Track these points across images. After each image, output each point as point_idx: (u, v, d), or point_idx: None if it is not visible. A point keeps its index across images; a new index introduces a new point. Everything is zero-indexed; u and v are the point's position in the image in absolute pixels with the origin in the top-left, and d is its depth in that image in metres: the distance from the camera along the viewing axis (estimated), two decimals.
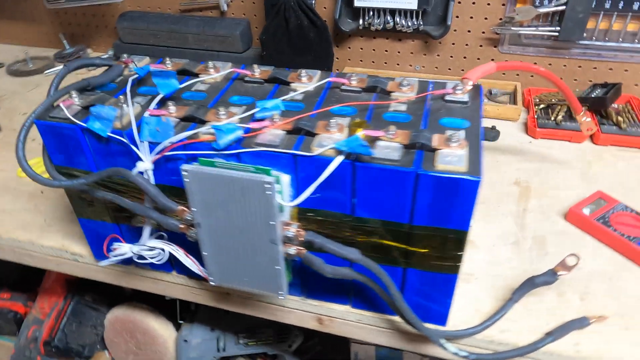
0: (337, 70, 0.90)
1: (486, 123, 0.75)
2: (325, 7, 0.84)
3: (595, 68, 0.78)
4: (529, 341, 0.45)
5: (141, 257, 0.48)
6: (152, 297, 0.65)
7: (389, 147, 0.38)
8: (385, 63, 0.87)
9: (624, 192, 0.62)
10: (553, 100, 0.76)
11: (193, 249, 0.46)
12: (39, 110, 0.44)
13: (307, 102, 0.45)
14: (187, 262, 0.48)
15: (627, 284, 0.50)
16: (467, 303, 0.49)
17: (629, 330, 0.46)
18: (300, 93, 0.46)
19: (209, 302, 0.55)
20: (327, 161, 0.38)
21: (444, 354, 0.45)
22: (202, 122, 0.42)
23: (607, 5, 0.70)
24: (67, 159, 0.46)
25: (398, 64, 0.87)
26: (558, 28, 0.73)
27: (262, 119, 0.41)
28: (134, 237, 0.50)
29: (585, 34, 0.74)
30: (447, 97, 0.45)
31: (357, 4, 0.79)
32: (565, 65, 0.79)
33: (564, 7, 0.71)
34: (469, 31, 0.80)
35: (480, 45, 0.81)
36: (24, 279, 0.87)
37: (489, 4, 0.77)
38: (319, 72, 0.49)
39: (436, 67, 0.85)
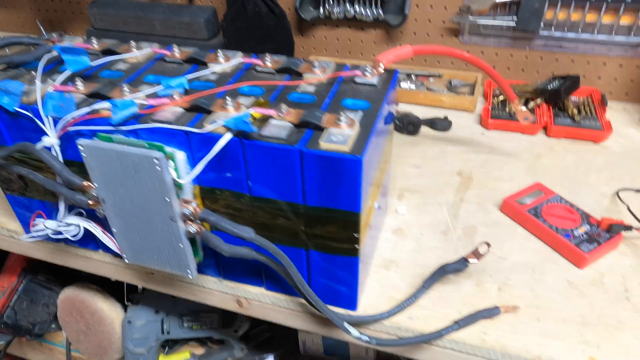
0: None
1: (439, 113, 0.74)
2: None
3: (557, 60, 0.77)
4: (435, 329, 0.44)
5: (59, 233, 0.49)
6: (104, 278, 0.66)
7: (279, 125, 0.38)
8: (349, 52, 0.87)
9: (567, 184, 0.61)
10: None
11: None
12: None
13: (219, 82, 0.45)
14: (104, 239, 0.49)
15: (548, 276, 0.49)
16: (384, 290, 0.49)
17: (540, 322, 0.45)
18: (213, 73, 0.46)
19: (135, 281, 0.56)
20: (216, 138, 0.38)
21: (349, 338, 0.45)
22: (108, 99, 0.42)
23: None
24: None
25: (362, 54, 0.86)
26: (515, 17, 0.72)
27: (164, 97, 0.41)
28: (57, 213, 0.51)
29: (543, 24, 0.72)
30: (357, 80, 0.44)
31: None
32: (527, 57, 0.78)
33: None
34: (429, 21, 0.79)
35: (442, 35, 0.80)
36: None
37: None
38: (239, 53, 0.49)
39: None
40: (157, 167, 0.38)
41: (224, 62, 0.47)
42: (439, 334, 0.44)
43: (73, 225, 0.48)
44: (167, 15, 0.87)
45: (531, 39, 0.75)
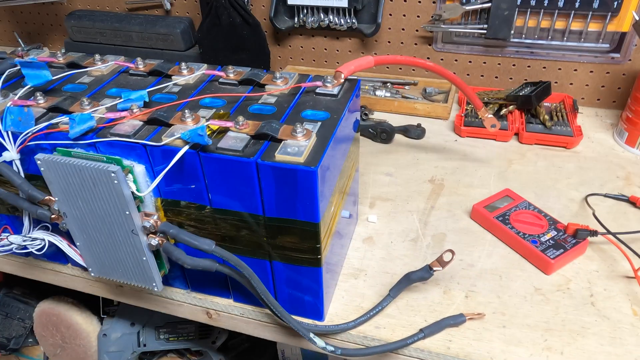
0: (281, 68, 0.91)
1: (413, 121, 0.74)
2: (263, 6, 0.84)
3: (529, 67, 0.77)
4: (401, 337, 0.44)
5: (25, 247, 0.49)
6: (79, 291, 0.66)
7: (236, 137, 0.38)
8: (326, 61, 0.87)
9: (537, 190, 0.61)
10: (485, 98, 0.76)
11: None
12: None
13: (181, 94, 0.45)
14: (70, 253, 0.49)
15: (515, 282, 0.49)
16: (352, 299, 0.49)
17: (506, 328, 0.45)
18: (176, 85, 0.46)
19: (105, 294, 0.55)
20: (174, 151, 0.38)
21: (315, 348, 0.45)
22: (68, 113, 0.42)
23: (533, 3, 0.69)
24: None
25: (338, 62, 0.87)
26: (486, 26, 0.72)
27: (123, 110, 0.42)
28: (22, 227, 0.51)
29: (513, 32, 0.73)
30: (318, 90, 0.44)
31: (290, 2, 0.79)
32: (499, 64, 0.78)
33: (489, 5, 0.70)
34: (403, 29, 0.80)
35: (415, 44, 0.81)
36: None
37: (420, 2, 0.76)
38: (204, 65, 0.49)
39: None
40: (115, 181, 0.38)
41: (188, 74, 0.47)
42: (404, 343, 0.44)
43: (38, 239, 0.48)
44: (144, 26, 0.88)
45: (503, 46, 0.76)
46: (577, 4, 0.68)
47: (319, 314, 0.46)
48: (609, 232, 0.51)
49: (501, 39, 0.73)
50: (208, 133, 0.38)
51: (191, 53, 0.89)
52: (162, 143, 0.38)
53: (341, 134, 0.42)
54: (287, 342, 0.49)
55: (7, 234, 0.49)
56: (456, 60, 0.80)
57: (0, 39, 1.09)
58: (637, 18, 0.63)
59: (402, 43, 0.81)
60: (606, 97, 0.77)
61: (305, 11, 0.80)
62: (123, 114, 0.41)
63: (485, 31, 0.73)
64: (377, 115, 0.77)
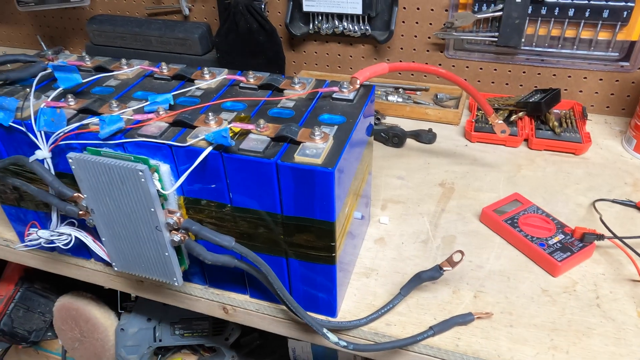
0: (295, 73, 0.93)
1: (424, 126, 0.76)
2: (279, 12, 0.87)
3: (539, 74, 0.79)
4: (411, 334, 0.46)
5: (52, 242, 0.51)
6: (99, 286, 0.68)
7: (257, 139, 0.40)
8: (339, 67, 0.89)
9: (545, 195, 0.62)
10: (496, 104, 0.77)
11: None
12: None
13: (204, 97, 0.48)
14: (95, 248, 0.51)
15: (522, 284, 0.51)
16: (363, 297, 0.50)
17: (513, 328, 0.46)
18: (199, 89, 0.49)
19: (126, 288, 0.58)
20: (198, 151, 0.40)
21: (328, 344, 0.47)
22: (98, 114, 0.45)
23: (544, 12, 0.71)
24: None
25: (351, 68, 0.89)
26: (497, 34, 0.74)
27: (150, 112, 0.44)
28: (50, 223, 0.53)
29: (524, 40, 0.74)
30: (335, 95, 0.46)
31: (305, 8, 0.81)
32: (510, 71, 0.80)
33: (500, 13, 0.72)
34: (415, 36, 0.82)
35: (427, 50, 0.82)
36: None
37: (432, 10, 0.78)
38: (225, 70, 0.51)
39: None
40: (142, 179, 0.40)
41: (210, 79, 0.49)
42: (414, 340, 0.45)
43: (65, 234, 0.50)
44: (163, 31, 0.90)
45: (514, 53, 0.78)
46: (587, 14, 0.70)
47: (332, 311, 0.48)
48: (615, 236, 0.52)
49: (512, 46, 0.75)
50: (230, 135, 0.40)
51: (208, 57, 0.91)
52: (187, 144, 0.40)
53: (356, 137, 0.44)
54: (300, 338, 0.50)
55: (36, 229, 0.51)
56: (467, 67, 0.81)
57: (24, 42, 1.13)
58: None
59: (414, 50, 0.83)
60: (615, 105, 0.78)
61: (320, 18, 0.82)
62: (150, 115, 0.43)
63: (496, 39, 0.74)
64: (389, 120, 0.78)
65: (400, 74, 0.86)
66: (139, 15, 0.98)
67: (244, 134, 0.41)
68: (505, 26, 0.73)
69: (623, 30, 0.71)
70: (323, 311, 0.48)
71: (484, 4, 0.73)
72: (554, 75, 0.78)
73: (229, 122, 0.42)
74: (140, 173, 0.40)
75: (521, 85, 0.81)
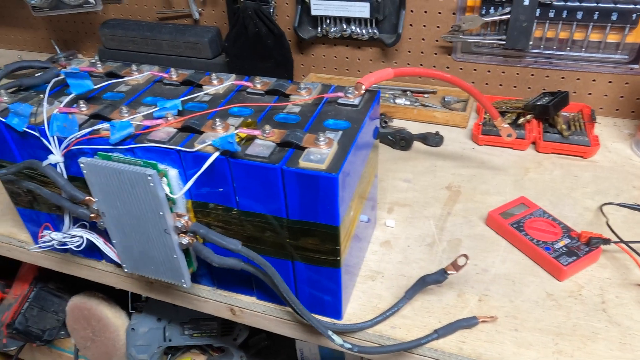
0: (304, 76, 0.93)
1: (431, 129, 0.76)
2: (288, 16, 0.87)
3: (547, 77, 0.78)
4: (416, 337, 0.46)
5: (64, 244, 0.52)
6: (110, 286, 0.69)
7: (263, 145, 0.41)
8: (347, 70, 0.90)
9: (552, 198, 0.62)
10: (504, 107, 0.77)
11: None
12: None
13: (212, 103, 0.48)
14: (106, 250, 0.52)
15: (527, 288, 0.51)
16: (369, 300, 0.51)
17: (518, 332, 0.47)
18: (207, 94, 0.50)
19: (136, 289, 0.59)
20: (205, 156, 0.41)
21: (333, 346, 0.47)
22: (108, 120, 0.46)
23: (552, 14, 0.71)
24: None
25: (359, 71, 0.89)
26: (504, 37, 0.74)
27: (159, 118, 0.45)
28: (63, 225, 0.54)
29: (532, 43, 0.74)
30: (340, 100, 0.47)
31: (314, 12, 0.82)
32: (518, 74, 0.80)
33: (508, 17, 0.72)
34: (423, 39, 0.82)
35: (435, 54, 0.82)
36: (5, 266, 0.93)
37: (440, 13, 0.78)
38: (233, 76, 0.52)
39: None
40: (151, 184, 0.41)
41: (217, 84, 0.50)
42: (418, 343, 0.46)
43: (77, 236, 0.51)
44: (174, 35, 0.92)
45: (522, 56, 0.77)
46: (595, 16, 0.69)
47: (337, 313, 0.49)
48: (622, 241, 0.52)
49: (520, 49, 0.74)
50: (237, 140, 0.41)
51: (218, 61, 0.92)
52: (194, 149, 0.41)
53: (361, 142, 0.44)
54: (306, 339, 0.51)
55: (49, 231, 0.53)
56: (475, 69, 0.82)
57: (38, 46, 1.15)
58: None
59: (422, 53, 0.83)
60: (625, 108, 0.77)
61: (328, 21, 0.83)
62: (159, 121, 0.44)
63: (504, 42, 0.74)
64: (396, 123, 0.79)
65: (408, 77, 0.86)
66: (150, 19, 1.00)
67: (250, 139, 0.42)
68: (512, 29, 0.72)
69: (632, 32, 0.70)
70: (329, 313, 0.49)
71: (492, 7, 0.73)
72: (562, 78, 0.78)
73: (236, 128, 0.43)
74: (149, 177, 0.41)
75: (529, 88, 0.80)
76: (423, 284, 0.49)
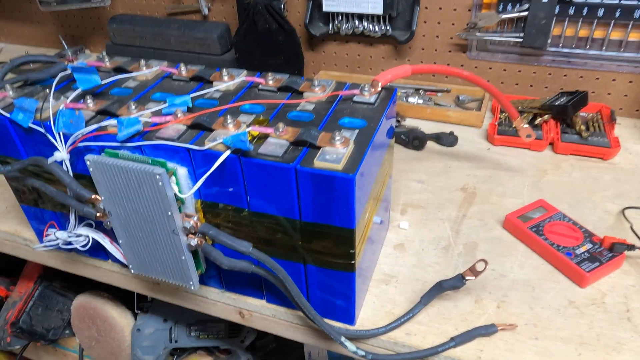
0: (314, 73, 0.92)
1: (445, 128, 0.74)
2: (299, 12, 0.86)
3: (565, 76, 0.76)
4: (432, 345, 0.45)
5: (69, 243, 0.51)
6: (116, 286, 0.68)
7: (276, 143, 0.39)
8: (359, 67, 0.88)
9: (572, 201, 0.60)
10: (520, 107, 0.75)
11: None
12: None
13: (222, 99, 0.47)
14: (111, 250, 0.51)
15: (548, 294, 0.49)
16: (382, 305, 0.49)
17: (538, 340, 0.45)
18: (217, 91, 0.48)
19: (142, 290, 0.57)
20: (216, 155, 0.39)
21: (346, 352, 0.45)
22: (116, 116, 0.44)
23: (571, 12, 0.69)
24: (2, 148, 0.49)
25: (371, 69, 0.87)
26: (522, 34, 0.72)
27: (168, 114, 0.43)
28: (68, 224, 0.53)
29: (550, 41, 0.72)
30: (355, 98, 0.45)
31: (325, 8, 0.80)
32: (535, 73, 0.78)
33: (526, 14, 0.70)
34: (437, 37, 0.80)
35: (449, 51, 0.80)
36: (12, 264, 0.92)
37: (455, 10, 0.76)
38: (244, 71, 0.50)
39: None
40: (159, 183, 0.39)
41: (228, 81, 0.49)
42: (434, 350, 0.44)
43: (83, 236, 0.50)
44: (182, 31, 0.90)
45: (539, 54, 0.75)
46: (617, 14, 0.67)
47: (350, 318, 0.47)
48: None
49: (537, 47, 0.72)
50: (249, 139, 0.39)
51: (227, 57, 0.91)
52: (205, 147, 0.39)
53: (377, 141, 0.43)
54: (317, 345, 0.49)
55: (54, 230, 0.51)
56: (490, 68, 0.79)
57: (46, 41, 1.14)
58: None
59: (435, 50, 0.81)
60: None
61: (340, 18, 0.81)
62: (168, 118, 0.43)
63: (521, 39, 0.72)
64: (409, 122, 0.77)
65: (420, 75, 0.84)
66: (158, 15, 0.99)
67: (263, 137, 0.40)
68: (531, 27, 0.70)
69: None
70: (341, 319, 0.47)
71: (509, 4, 0.71)
72: (581, 77, 0.76)
73: (248, 125, 0.41)
74: (158, 176, 0.39)
75: (546, 88, 0.78)
76: (439, 289, 0.47)
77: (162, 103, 0.46)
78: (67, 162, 0.45)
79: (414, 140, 0.71)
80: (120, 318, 0.74)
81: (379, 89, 0.45)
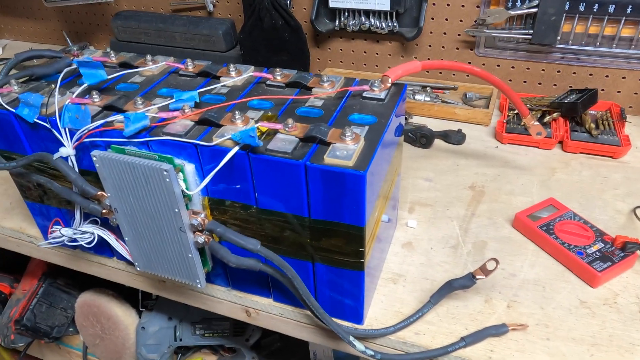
0: (320, 70, 0.91)
1: (452, 126, 0.73)
2: (305, 8, 0.85)
3: (574, 73, 0.75)
4: (441, 345, 0.44)
5: (75, 240, 0.50)
6: (120, 284, 0.68)
7: (285, 139, 0.39)
8: (365, 64, 0.87)
9: (582, 200, 0.59)
10: (528, 105, 0.74)
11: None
12: None
13: (230, 95, 0.46)
14: (117, 247, 0.50)
15: (559, 294, 0.48)
16: (391, 304, 0.49)
17: (550, 341, 0.44)
18: (225, 86, 0.47)
19: (148, 288, 0.57)
20: (224, 151, 0.38)
21: (354, 352, 0.45)
22: (122, 111, 0.44)
23: (582, 8, 0.68)
24: (7, 144, 0.48)
25: (377, 66, 0.87)
26: (531, 31, 0.71)
27: (175, 110, 0.43)
28: (73, 221, 0.52)
29: (560, 38, 0.71)
30: (365, 94, 0.45)
31: (332, 4, 0.79)
32: (543, 70, 0.77)
33: (535, 10, 0.69)
34: (444, 33, 0.79)
35: (457, 48, 0.80)
36: (15, 260, 0.92)
37: (463, 6, 0.75)
38: (251, 67, 0.50)
39: None
40: (167, 179, 0.39)
41: (236, 76, 0.48)
42: (444, 350, 0.43)
43: (88, 233, 0.49)
44: (187, 27, 0.90)
45: (548, 52, 0.74)
46: (628, 10, 0.66)
47: (358, 318, 0.46)
48: None
49: (547, 44, 0.71)
50: (257, 134, 0.39)
51: (232, 54, 0.90)
52: (213, 143, 0.39)
53: (387, 138, 0.42)
54: (325, 344, 0.49)
55: (59, 227, 0.51)
56: (498, 65, 0.79)
57: (50, 37, 1.13)
58: None
59: (443, 47, 0.80)
60: None
61: (346, 14, 0.80)
62: (175, 113, 0.42)
63: (530, 36, 0.71)
64: (416, 120, 0.76)
65: (427, 72, 0.84)
66: (163, 11, 0.98)
67: (272, 133, 0.39)
68: (540, 23, 0.70)
69: None
70: (349, 318, 0.47)
71: (518, 0, 0.70)
72: (590, 74, 0.75)
73: (256, 121, 0.41)
74: (165, 173, 0.38)
75: (555, 85, 0.77)
76: (449, 288, 0.46)
77: (169, 98, 0.45)
78: (73, 158, 0.45)
79: (422, 138, 0.70)
80: (125, 316, 0.74)
81: (389, 84, 0.45)
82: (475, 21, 0.75)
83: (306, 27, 0.85)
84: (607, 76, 0.74)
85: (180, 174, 0.40)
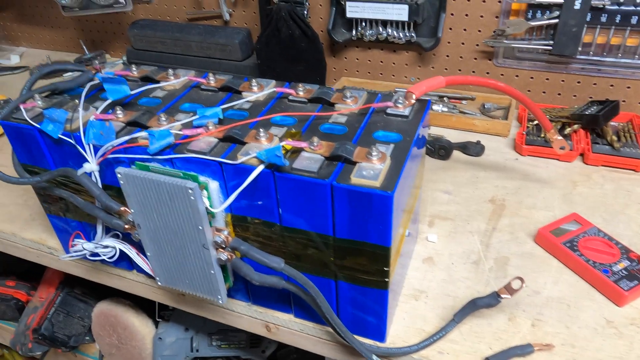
0: (335, 80, 0.91)
1: (470, 137, 0.73)
2: (321, 18, 0.85)
3: (595, 84, 0.75)
4: None
5: (96, 254, 0.50)
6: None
7: (310, 158, 0.38)
8: (381, 74, 0.87)
9: (605, 215, 0.59)
10: (548, 116, 0.73)
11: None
12: (5, 111, 0.47)
13: (252, 111, 0.46)
14: (138, 261, 0.50)
15: (584, 313, 0.47)
16: (413, 321, 0.48)
17: None
18: (247, 102, 0.47)
19: (167, 301, 0.57)
20: (249, 169, 0.38)
21: None
22: (146, 127, 0.44)
23: (604, 19, 0.67)
24: (31, 158, 0.49)
25: (393, 75, 0.86)
26: (551, 42, 0.70)
27: (199, 127, 0.43)
28: (94, 234, 0.53)
29: (581, 49, 0.71)
30: (389, 110, 0.44)
31: (349, 14, 0.79)
32: (563, 81, 0.76)
33: (556, 21, 0.68)
34: (462, 44, 0.78)
35: (475, 58, 0.79)
36: (32, 268, 0.92)
37: (482, 16, 0.75)
38: (273, 82, 0.50)
39: None
40: (191, 197, 0.39)
41: (258, 91, 0.48)
42: None
43: (109, 247, 0.50)
44: (203, 36, 0.90)
45: (568, 62, 0.74)
46: None
47: (381, 335, 0.46)
48: None
49: (567, 55, 0.71)
50: (282, 153, 0.39)
51: (248, 63, 0.90)
52: (238, 161, 0.38)
53: (412, 154, 0.41)
54: None
55: (81, 241, 0.51)
56: (517, 75, 0.78)
57: (66, 45, 1.14)
58: None
59: (461, 57, 0.80)
60: None
61: (363, 24, 0.80)
62: (199, 130, 0.42)
63: (550, 47, 0.71)
64: (434, 131, 0.76)
65: None
66: (179, 20, 0.98)
67: (296, 151, 0.39)
68: (561, 34, 0.69)
69: None
70: (371, 335, 0.46)
71: (539, 11, 0.70)
72: (611, 85, 0.74)
73: (281, 139, 0.41)
74: (190, 191, 0.38)
75: (575, 96, 0.77)
76: (473, 307, 0.46)
77: (191, 114, 0.45)
78: (96, 174, 0.45)
79: (440, 150, 0.70)
80: (142, 326, 0.74)
81: (413, 101, 0.44)
82: (494, 32, 0.74)
83: (322, 37, 0.85)
84: (628, 87, 0.73)
85: (205, 192, 0.40)
